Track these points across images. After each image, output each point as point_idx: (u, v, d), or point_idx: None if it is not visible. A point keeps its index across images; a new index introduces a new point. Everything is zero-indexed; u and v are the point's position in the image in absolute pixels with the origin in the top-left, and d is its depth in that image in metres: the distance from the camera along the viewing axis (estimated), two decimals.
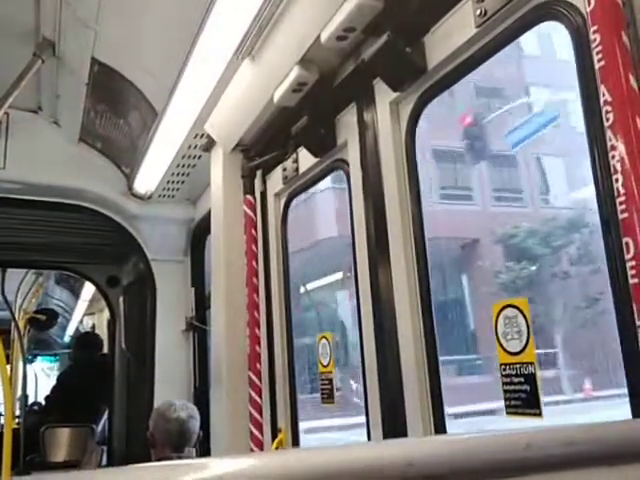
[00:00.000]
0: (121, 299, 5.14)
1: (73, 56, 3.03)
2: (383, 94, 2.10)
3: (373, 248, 2.15)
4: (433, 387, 1.83)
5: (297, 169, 2.79)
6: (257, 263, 2.98)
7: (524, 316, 1.52)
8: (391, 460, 0.78)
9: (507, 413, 1.56)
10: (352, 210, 2.32)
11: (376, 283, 2.11)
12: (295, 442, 2.76)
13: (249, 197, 3.03)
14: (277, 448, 2.74)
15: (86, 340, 6.48)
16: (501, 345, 1.59)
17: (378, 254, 2.12)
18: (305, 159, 2.70)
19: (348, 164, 2.36)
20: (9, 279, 5.66)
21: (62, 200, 4.01)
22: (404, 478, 0.76)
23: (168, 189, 4.03)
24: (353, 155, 2.30)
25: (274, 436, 2.83)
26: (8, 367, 4.74)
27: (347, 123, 2.37)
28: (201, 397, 4.05)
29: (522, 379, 1.52)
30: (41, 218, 4.29)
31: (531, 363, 1.50)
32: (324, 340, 2.52)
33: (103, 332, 7.86)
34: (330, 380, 2.45)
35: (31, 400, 8.36)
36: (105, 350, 6.34)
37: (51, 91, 3.49)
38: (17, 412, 5.84)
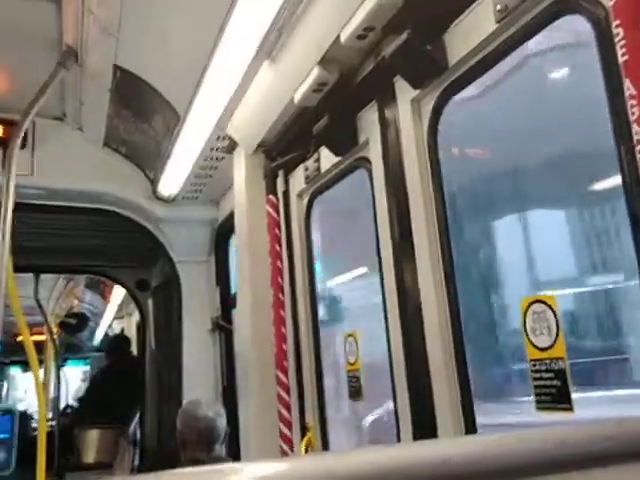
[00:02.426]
0: (150, 301, 5.22)
1: (96, 63, 3.08)
2: (404, 92, 2.10)
3: (397, 245, 2.15)
4: (462, 384, 1.83)
5: (319, 168, 2.81)
6: (281, 262, 3.01)
7: (553, 311, 1.52)
8: (425, 460, 0.79)
9: (537, 409, 1.56)
10: (375, 208, 2.32)
11: (401, 280, 2.11)
12: (324, 439, 2.78)
13: (272, 197, 3.06)
14: (306, 446, 2.76)
15: (117, 343, 6.60)
16: (530, 340, 1.58)
17: (403, 251, 2.12)
18: (327, 158, 2.71)
19: (370, 162, 2.37)
20: (41, 284, 5.79)
21: (89, 205, 4.08)
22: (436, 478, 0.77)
23: (192, 191, 4.07)
24: (375, 153, 2.31)
25: (303, 434, 2.85)
26: (41, 370, 4.85)
27: (368, 121, 2.38)
28: (229, 396, 4.10)
29: (552, 374, 1.51)
30: (69, 223, 4.37)
31: (561, 358, 1.50)
32: (350, 338, 2.53)
33: (132, 335, 7.99)
34: (357, 378, 2.46)
35: (64, 402, 8.53)
36: (134, 352, 6.45)
37: (75, 98, 3.55)
38: (50, 415, 5.96)
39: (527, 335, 1.59)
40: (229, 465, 0.81)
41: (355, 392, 2.48)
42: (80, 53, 3.00)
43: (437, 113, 1.99)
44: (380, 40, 2.09)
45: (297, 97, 2.47)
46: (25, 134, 3.08)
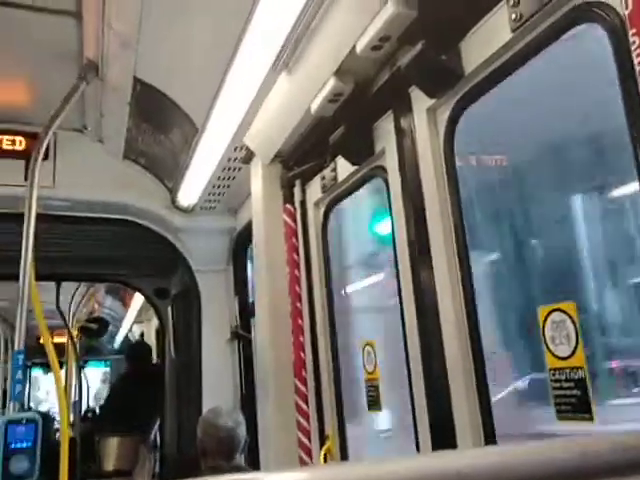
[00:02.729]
0: (169, 309, 5.27)
1: (116, 77, 3.14)
2: (420, 101, 2.11)
3: (415, 254, 2.16)
4: (481, 392, 1.82)
5: (335, 178, 2.82)
6: (299, 271, 3.02)
7: (572, 320, 1.51)
8: (441, 472, 0.79)
9: (558, 418, 1.55)
10: (392, 216, 2.33)
11: (419, 289, 2.11)
12: (343, 448, 2.78)
13: (289, 206, 3.08)
14: (325, 455, 2.76)
15: (137, 350, 6.65)
16: (549, 350, 1.58)
17: (420, 260, 2.12)
18: (343, 168, 2.73)
19: (386, 171, 2.38)
20: (62, 289, 5.87)
21: (109, 215, 4.14)
22: None
23: (210, 201, 4.11)
24: (391, 162, 2.31)
25: (322, 443, 2.85)
26: (62, 372, 4.91)
27: (384, 131, 2.39)
28: (248, 404, 4.12)
29: (572, 384, 1.50)
30: (91, 233, 4.43)
31: (581, 367, 1.49)
32: (368, 347, 2.53)
33: (151, 340, 8.07)
34: (376, 387, 2.46)
35: (85, 405, 8.62)
36: (154, 358, 6.51)
37: (96, 111, 3.61)
38: (72, 418, 6.02)
39: (546, 344, 1.59)
40: (252, 474, 0.82)
41: (373, 402, 2.48)
42: (100, 66, 3.06)
43: (453, 122, 2.00)
44: (395, 50, 2.11)
45: (313, 107, 2.49)
46: (47, 146, 3.13)
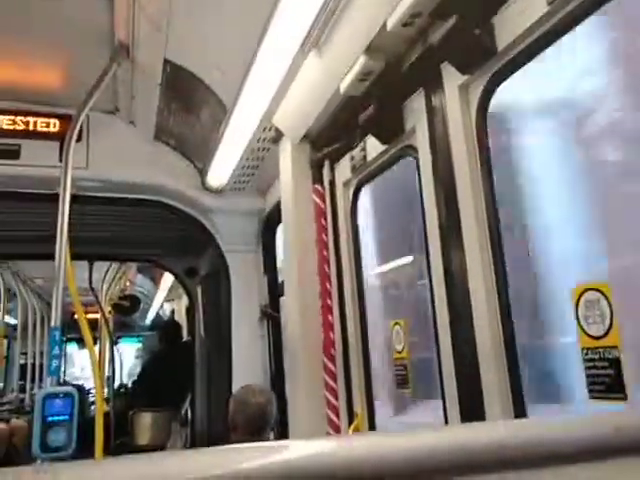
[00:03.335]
0: (199, 289, 5.35)
1: (147, 58, 3.16)
2: (451, 78, 2.08)
3: (445, 234, 2.14)
4: (511, 369, 1.81)
5: (365, 157, 2.81)
6: (328, 251, 3.03)
7: (606, 299, 1.49)
8: (474, 443, 0.80)
9: (590, 398, 1.53)
10: (422, 196, 2.32)
11: (449, 269, 2.10)
12: (371, 426, 2.80)
13: (318, 187, 3.08)
14: (354, 432, 2.79)
15: (168, 329, 6.78)
16: (582, 329, 1.56)
17: (451, 240, 2.11)
18: (373, 147, 2.71)
19: (417, 150, 2.36)
20: (95, 268, 6.00)
21: (141, 196, 4.20)
22: (485, 462, 0.78)
23: (239, 182, 4.14)
24: (422, 141, 2.29)
25: (350, 421, 2.88)
26: (96, 349, 5.03)
27: (415, 109, 2.36)
28: (277, 382, 4.17)
29: (606, 363, 1.49)
30: (122, 214, 4.51)
31: (614, 347, 1.47)
32: (397, 326, 2.54)
33: (182, 317, 8.21)
34: (405, 366, 2.47)
35: (118, 381, 8.85)
36: (184, 336, 6.63)
37: (127, 92, 3.65)
38: (106, 392, 6.18)
39: (579, 323, 1.57)
40: (277, 442, 0.83)
41: (402, 381, 2.49)
42: (131, 48, 3.09)
43: (486, 99, 1.97)
44: (427, 26, 2.08)
45: (343, 86, 2.48)
46: (80, 128, 3.18)
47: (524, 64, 1.85)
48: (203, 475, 0.69)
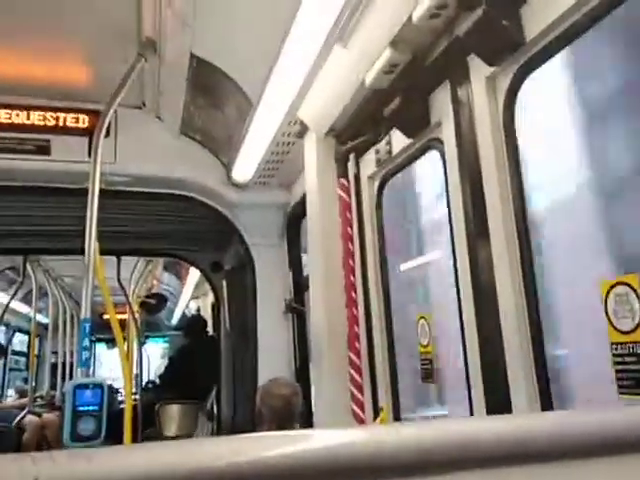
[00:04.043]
0: (224, 283, 5.40)
1: (173, 53, 3.19)
2: (478, 70, 2.06)
3: (471, 227, 2.13)
4: (538, 363, 1.80)
5: (390, 151, 2.80)
6: (353, 245, 3.03)
7: (636, 293, 1.47)
8: (495, 436, 0.80)
9: (620, 393, 1.51)
10: (448, 189, 2.30)
11: (476, 267, 2.08)
12: (397, 420, 2.80)
13: (343, 180, 3.08)
14: None
15: (194, 323, 6.86)
16: (612, 324, 1.54)
17: (477, 233, 2.09)
18: (398, 140, 2.70)
19: (443, 143, 2.34)
20: (122, 266, 6.09)
21: (167, 191, 4.25)
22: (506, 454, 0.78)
23: (264, 176, 4.16)
24: (448, 134, 2.28)
25: (375, 415, 2.89)
26: (125, 348, 5.14)
27: (441, 102, 2.35)
28: (302, 376, 4.19)
29: (635, 358, 1.46)
30: (148, 208, 4.57)
31: None
32: (423, 320, 2.53)
33: (207, 314, 8.29)
34: (430, 360, 2.47)
35: (145, 378, 9.00)
36: (210, 331, 6.70)
37: (154, 88, 3.69)
38: (134, 389, 6.28)
39: (608, 318, 1.55)
40: (301, 431, 0.84)
41: (427, 375, 2.48)
42: (158, 44, 3.12)
43: (513, 92, 1.94)
44: (453, 18, 2.06)
45: (368, 79, 2.47)
46: (108, 123, 3.23)
47: (553, 55, 1.83)
48: (228, 461, 0.70)
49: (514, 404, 1.82)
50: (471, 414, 2.07)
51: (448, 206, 2.30)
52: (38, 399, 7.75)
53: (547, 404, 1.76)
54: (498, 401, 1.89)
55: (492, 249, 2.00)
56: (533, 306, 1.84)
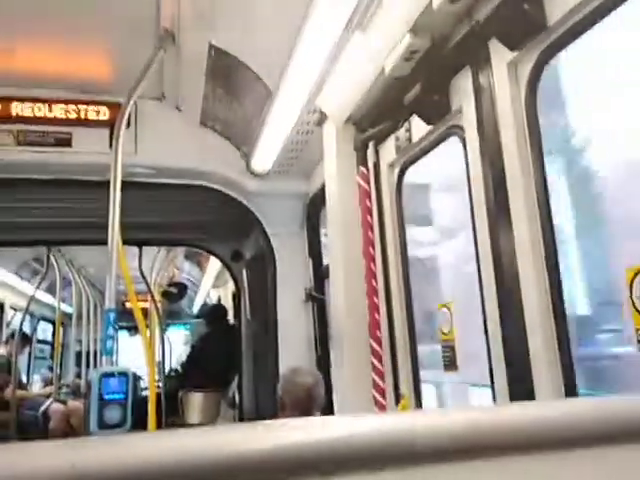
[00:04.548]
0: (244, 272, 5.43)
1: (192, 44, 3.20)
2: (499, 55, 2.03)
3: (493, 214, 2.11)
4: (562, 350, 1.79)
5: (410, 138, 2.79)
6: (373, 233, 3.03)
7: None
8: (519, 421, 0.80)
9: None
10: (469, 176, 2.29)
11: (498, 253, 2.07)
12: (418, 407, 2.81)
13: (362, 169, 3.07)
14: None
15: (215, 312, 6.91)
16: (637, 309, 1.52)
17: (499, 220, 2.08)
18: (418, 127, 2.69)
19: (464, 130, 2.32)
20: (144, 256, 6.15)
21: (187, 181, 4.27)
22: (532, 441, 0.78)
23: (283, 165, 4.16)
24: (469, 120, 2.26)
25: (397, 402, 2.90)
26: (147, 336, 5.20)
27: (462, 88, 2.32)
28: (323, 364, 4.22)
29: None
30: (169, 199, 4.60)
31: None
32: (444, 309, 2.53)
33: (228, 303, 8.36)
34: (452, 347, 2.46)
35: (168, 366, 9.11)
36: (230, 320, 6.75)
37: (173, 79, 3.70)
38: (157, 377, 6.37)
39: (633, 304, 1.54)
40: (321, 418, 0.85)
41: (450, 363, 2.48)
42: (177, 35, 3.13)
43: (536, 76, 1.92)
44: (474, 2, 2.03)
45: (388, 66, 2.45)
46: (129, 115, 3.25)
47: (575, 39, 1.80)
48: (250, 448, 0.71)
49: (537, 391, 1.82)
50: (494, 401, 2.07)
51: (469, 193, 2.28)
52: (63, 387, 7.89)
53: (571, 391, 1.75)
54: (521, 388, 1.88)
55: (514, 236, 1.98)
56: (557, 293, 1.83)
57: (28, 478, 0.66)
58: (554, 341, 1.80)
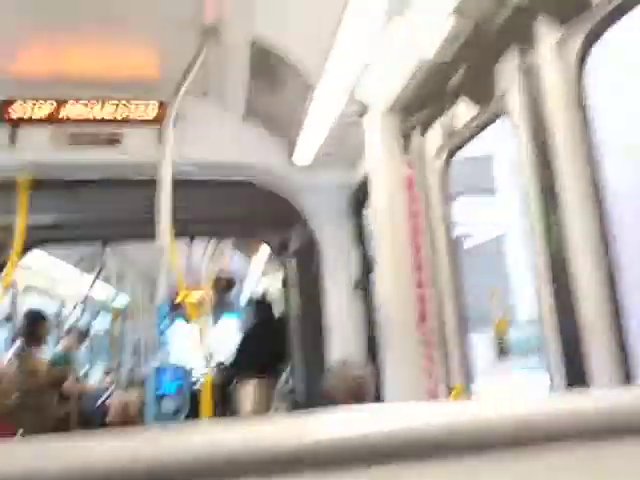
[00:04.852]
0: (291, 263, 5.48)
1: (234, 40, 3.23)
2: (546, 36, 1.97)
3: (543, 200, 2.06)
4: (616, 336, 1.74)
5: (455, 124, 2.74)
6: (420, 222, 3.00)
7: None
8: (582, 409, 0.78)
9: None
10: (518, 162, 2.24)
11: (547, 234, 2.03)
12: (470, 398, 2.78)
13: (407, 157, 3.05)
14: None
15: (263, 303, 6.99)
16: None
17: (548, 204, 2.03)
18: (463, 113, 2.64)
19: (510, 113, 2.27)
20: (193, 249, 6.29)
21: (233, 175, 4.33)
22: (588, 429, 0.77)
23: (327, 156, 4.15)
24: (516, 103, 2.20)
25: (449, 393, 2.87)
26: (199, 326, 5.32)
27: (507, 70, 2.27)
28: (371, 355, 4.21)
29: None
30: (217, 193, 4.68)
31: None
32: (495, 295, 2.49)
33: (276, 294, 8.45)
34: (504, 337, 2.43)
35: (220, 356, 9.28)
36: (280, 311, 6.82)
37: (217, 75, 3.75)
38: (210, 368, 6.50)
39: None
40: (372, 405, 0.85)
41: (502, 350, 2.44)
42: (220, 32, 3.16)
43: (583, 57, 1.86)
44: None
45: (431, 52, 2.42)
46: (175, 113, 3.32)
47: (624, 15, 1.73)
48: (304, 439, 0.72)
49: (592, 378, 1.78)
50: (549, 388, 2.03)
51: (517, 177, 2.23)
52: (120, 379, 8.16)
53: (625, 377, 1.70)
54: (576, 375, 1.84)
55: (565, 222, 1.93)
56: (610, 280, 1.78)
57: (90, 467, 0.69)
58: (608, 325, 1.75)
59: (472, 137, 2.70)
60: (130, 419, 6.08)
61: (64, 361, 6.69)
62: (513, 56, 2.21)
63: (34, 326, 5.98)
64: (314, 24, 2.82)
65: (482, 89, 2.40)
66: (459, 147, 2.83)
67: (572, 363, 1.90)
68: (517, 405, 0.80)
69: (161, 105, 3.86)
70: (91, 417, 5.86)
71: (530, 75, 2.10)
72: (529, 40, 2.08)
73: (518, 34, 2.14)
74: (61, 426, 5.33)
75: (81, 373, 8.04)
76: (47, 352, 6.98)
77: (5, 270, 4.63)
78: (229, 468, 0.70)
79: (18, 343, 5.96)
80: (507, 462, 0.75)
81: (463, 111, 2.62)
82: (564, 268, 1.93)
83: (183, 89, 3.20)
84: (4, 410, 3.99)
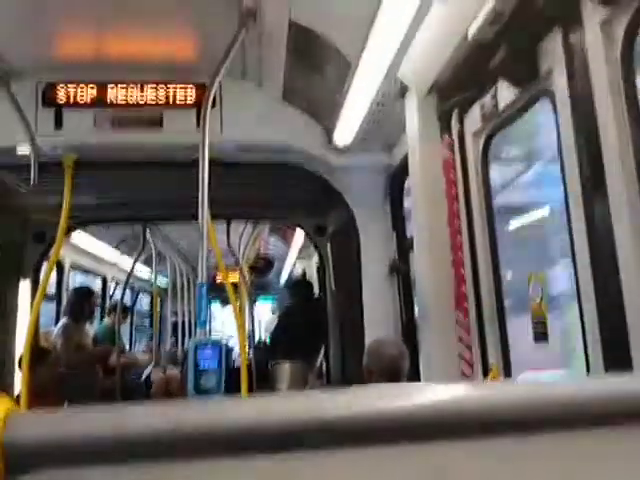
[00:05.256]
0: (328, 245, 5.50)
1: (272, 21, 3.23)
2: (592, 14, 1.92)
3: (587, 183, 2.02)
4: None
5: (496, 105, 2.70)
6: (458, 203, 2.98)
7: None
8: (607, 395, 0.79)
9: None
10: (560, 142, 2.20)
11: (592, 227, 1.99)
12: (507, 378, 2.77)
13: (446, 138, 3.02)
14: None
15: (301, 285, 7.06)
16: None
17: (592, 187, 1.99)
18: (504, 94, 2.60)
19: (554, 94, 2.22)
20: (231, 231, 6.37)
21: (272, 157, 4.36)
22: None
23: (365, 138, 4.14)
24: (559, 85, 2.16)
25: (485, 374, 2.87)
26: (237, 308, 5.41)
27: (551, 50, 2.22)
28: (408, 336, 4.23)
29: None
30: (255, 175, 4.72)
31: None
32: (535, 281, 2.46)
33: (313, 275, 8.52)
34: (543, 320, 2.41)
35: (257, 337, 9.46)
36: (316, 293, 6.88)
37: (255, 57, 3.76)
38: (247, 348, 6.62)
39: None
40: (414, 384, 0.87)
41: (540, 335, 2.43)
42: (258, 13, 3.17)
43: (631, 36, 1.80)
44: None
45: (471, 31, 2.38)
46: (214, 95, 3.34)
47: None
48: (340, 412, 0.75)
49: (635, 362, 1.75)
50: (587, 372, 2.01)
51: (561, 163, 2.19)
52: (162, 355, 8.38)
53: None
54: (617, 359, 1.82)
55: (610, 204, 1.89)
56: None
57: (134, 435, 0.74)
58: None
59: (513, 119, 2.66)
60: (172, 394, 6.26)
61: (109, 336, 6.91)
62: (557, 35, 2.16)
63: (81, 302, 6.19)
64: (354, 3, 2.80)
65: (525, 69, 2.36)
66: (499, 129, 2.79)
67: (612, 349, 1.88)
68: (553, 387, 0.81)
69: (200, 87, 3.90)
70: (134, 391, 6.05)
71: (575, 55, 2.05)
72: (574, 18, 2.02)
73: (562, 12, 2.08)
74: (106, 399, 5.52)
75: (126, 348, 8.31)
76: (93, 327, 7.23)
77: (52, 249, 4.79)
78: (274, 439, 0.73)
79: (65, 319, 6.19)
80: (538, 445, 0.76)
81: (504, 92, 2.57)
82: (607, 254, 1.90)
83: (222, 71, 3.22)
84: (52, 383, 4.17)
